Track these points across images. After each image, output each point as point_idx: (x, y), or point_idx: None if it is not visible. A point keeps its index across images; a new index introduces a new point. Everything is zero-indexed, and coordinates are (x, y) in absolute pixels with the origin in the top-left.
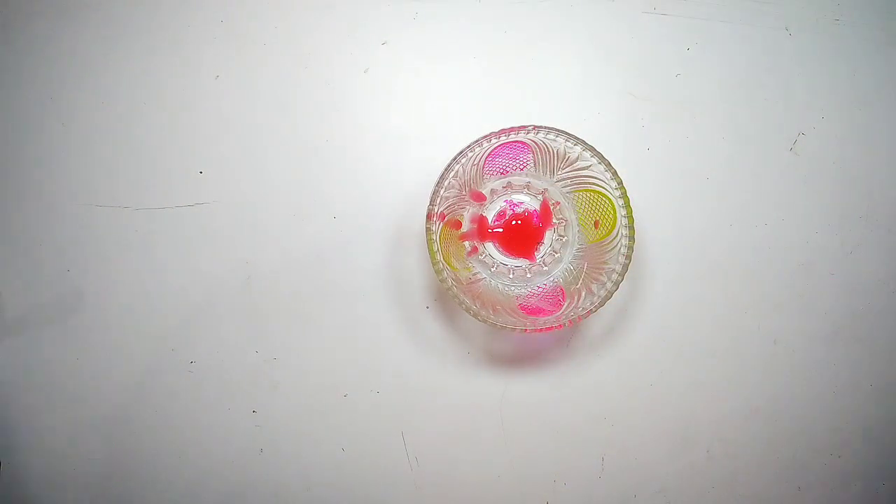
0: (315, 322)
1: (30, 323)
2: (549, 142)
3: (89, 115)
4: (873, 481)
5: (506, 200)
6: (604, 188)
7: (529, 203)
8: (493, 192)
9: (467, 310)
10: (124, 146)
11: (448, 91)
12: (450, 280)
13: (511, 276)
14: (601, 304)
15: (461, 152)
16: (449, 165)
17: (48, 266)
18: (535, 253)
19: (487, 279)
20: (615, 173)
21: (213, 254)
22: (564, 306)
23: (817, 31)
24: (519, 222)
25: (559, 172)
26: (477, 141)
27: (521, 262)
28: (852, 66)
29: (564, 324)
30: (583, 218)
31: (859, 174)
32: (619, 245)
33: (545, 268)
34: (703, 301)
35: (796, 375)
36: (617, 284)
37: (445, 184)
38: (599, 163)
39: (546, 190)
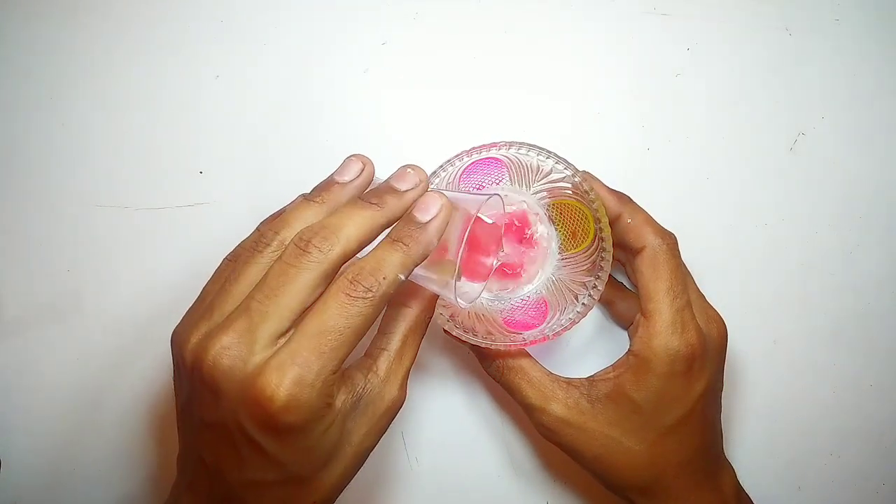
0: None
1: (30, 323)
2: (521, 156)
3: (89, 115)
4: (873, 481)
5: None
6: (579, 199)
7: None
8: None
9: (449, 330)
10: (124, 146)
11: (448, 91)
12: None
13: (494, 290)
14: (584, 314)
15: (434, 172)
16: None
17: (48, 266)
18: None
19: None
20: (590, 186)
21: (213, 254)
22: (548, 318)
23: (817, 31)
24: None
25: (535, 185)
26: (449, 160)
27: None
28: (852, 66)
29: (549, 336)
30: (561, 228)
31: (859, 174)
32: (597, 254)
33: (527, 280)
34: None
35: (796, 375)
36: (598, 294)
37: None
38: (574, 175)
39: (524, 202)
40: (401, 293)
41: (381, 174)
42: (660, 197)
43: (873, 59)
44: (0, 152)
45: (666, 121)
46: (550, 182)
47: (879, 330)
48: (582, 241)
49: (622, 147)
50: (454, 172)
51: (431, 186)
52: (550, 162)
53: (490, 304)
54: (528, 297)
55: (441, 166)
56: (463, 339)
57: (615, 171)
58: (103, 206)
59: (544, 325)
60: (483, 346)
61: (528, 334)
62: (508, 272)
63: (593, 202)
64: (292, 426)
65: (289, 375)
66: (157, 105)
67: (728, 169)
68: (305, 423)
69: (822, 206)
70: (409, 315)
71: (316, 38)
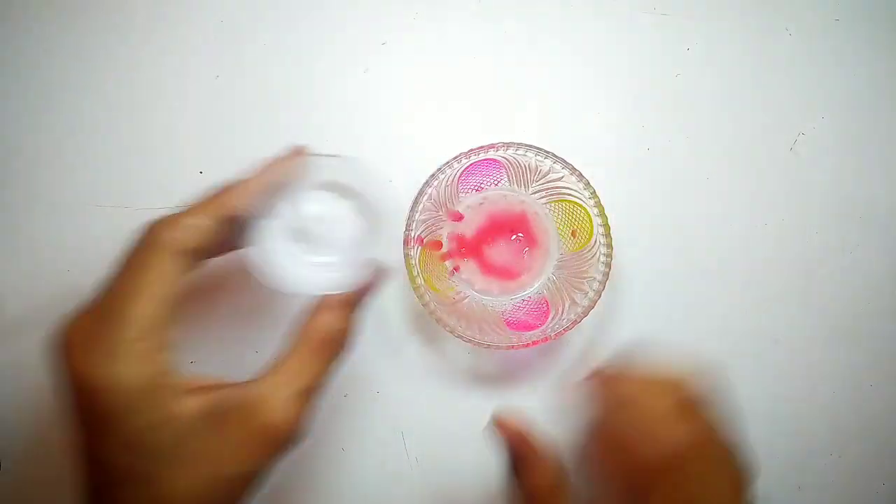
0: None
1: (30, 323)
2: (518, 157)
3: (89, 114)
4: (873, 481)
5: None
6: (578, 198)
7: None
8: (469, 207)
9: (451, 332)
10: (124, 146)
11: (448, 91)
12: (432, 304)
13: (496, 291)
14: (585, 313)
15: (433, 175)
16: (421, 189)
17: (48, 266)
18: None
19: (471, 297)
20: (587, 183)
21: None
22: (549, 318)
23: (817, 31)
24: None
25: (533, 185)
26: (447, 163)
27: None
28: (852, 66)
29: (550, 336)
30: (560, 228)
31: (859, 174)
32: (598, 253)
33: (528, 281)
34: (703, 301)
35: (796, 375)
36: (599, 293)
37: (419, 208)
38: (571, 174)
39: (523, 202)
40: (311, 308)
41: (381, 174)
42: (659, 197)
43: (873, 59)
44: (0, 152)
45: (666, 121)
46: (549, 182)
47: (879, 330)
48: (582, 240)
49: (622, 147)
50: (452, 175)
51: (430, 189)
52: (548, 162)
53: (491, 304)
54: (530, 297)
55: (440, 168)
56: (464, 340)
57: (615, 171)
58: (103, 206)
59: (546, 325)
60: (485, 346)
61: (530, 334)
62: (509, 273)
63: (591, 199)
64: (106, 405)
65: (99, 349)
66: (157, 105)
67: (728, 169)
68: (116, 402)
69: (822, 206)
70: (302, 329)
71: (316, 39)
